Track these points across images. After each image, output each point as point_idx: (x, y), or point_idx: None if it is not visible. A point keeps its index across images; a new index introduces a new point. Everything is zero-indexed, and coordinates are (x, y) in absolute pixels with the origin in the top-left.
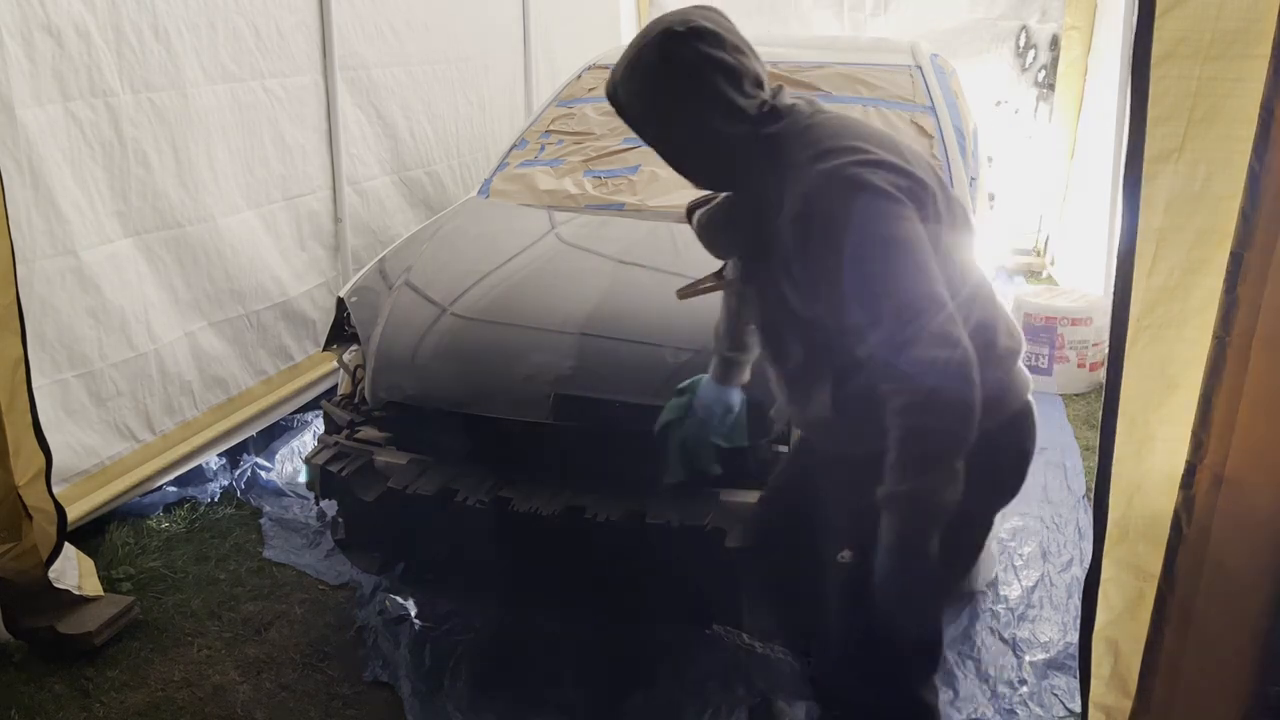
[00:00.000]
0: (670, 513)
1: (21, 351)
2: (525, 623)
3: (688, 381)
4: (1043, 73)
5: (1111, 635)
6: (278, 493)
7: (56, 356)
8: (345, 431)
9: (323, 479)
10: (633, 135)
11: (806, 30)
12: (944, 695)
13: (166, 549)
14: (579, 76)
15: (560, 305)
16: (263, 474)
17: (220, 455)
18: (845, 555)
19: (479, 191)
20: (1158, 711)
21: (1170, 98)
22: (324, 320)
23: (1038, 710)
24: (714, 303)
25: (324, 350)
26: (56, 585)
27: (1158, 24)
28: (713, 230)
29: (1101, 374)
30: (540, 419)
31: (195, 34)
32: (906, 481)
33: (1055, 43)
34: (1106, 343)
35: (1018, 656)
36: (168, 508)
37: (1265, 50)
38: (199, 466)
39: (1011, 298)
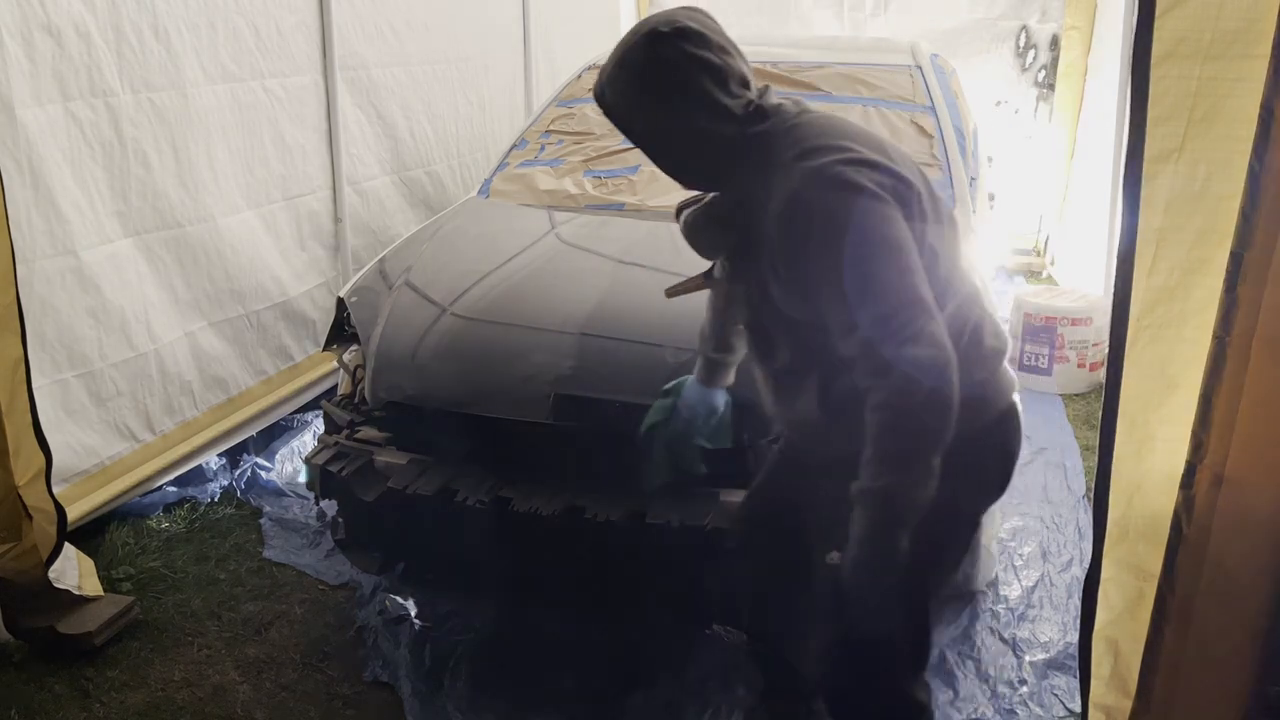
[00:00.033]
0: (670, 513)
1: (21, 351)
2: (525, 623)
3: (672, 383)
4: (1043, 73)
5: (1111, 635)
6: (278, 493)
7: (56, 356)
8: (345, 431)
9: (323, 479)
10: None
11: (806, 30)
12: (944, 695)
13: (166, 549)
14: (579, 76)
15: (560, 305)
16: (263, 474)
17: (220, 455)
18: (834, 557)
19: (479, 191)
20: (1158, 711)
21: (1170, 98)
22: (324, 320)
23: (1038, 710)
24: None
25: (324, 350)
26: (56, 585)
27: (1158, 24)
28: (700, 230)
29: (1101, 374)
30: (540, 419)
31: (195, 34)
32: (882, 477)
33: (1055, 43)
34: (1106, 343)
35: (1018, 656)
36: (168, 508)
37: (1265, 50)
38: (199, 466)
39: (1011, 298)
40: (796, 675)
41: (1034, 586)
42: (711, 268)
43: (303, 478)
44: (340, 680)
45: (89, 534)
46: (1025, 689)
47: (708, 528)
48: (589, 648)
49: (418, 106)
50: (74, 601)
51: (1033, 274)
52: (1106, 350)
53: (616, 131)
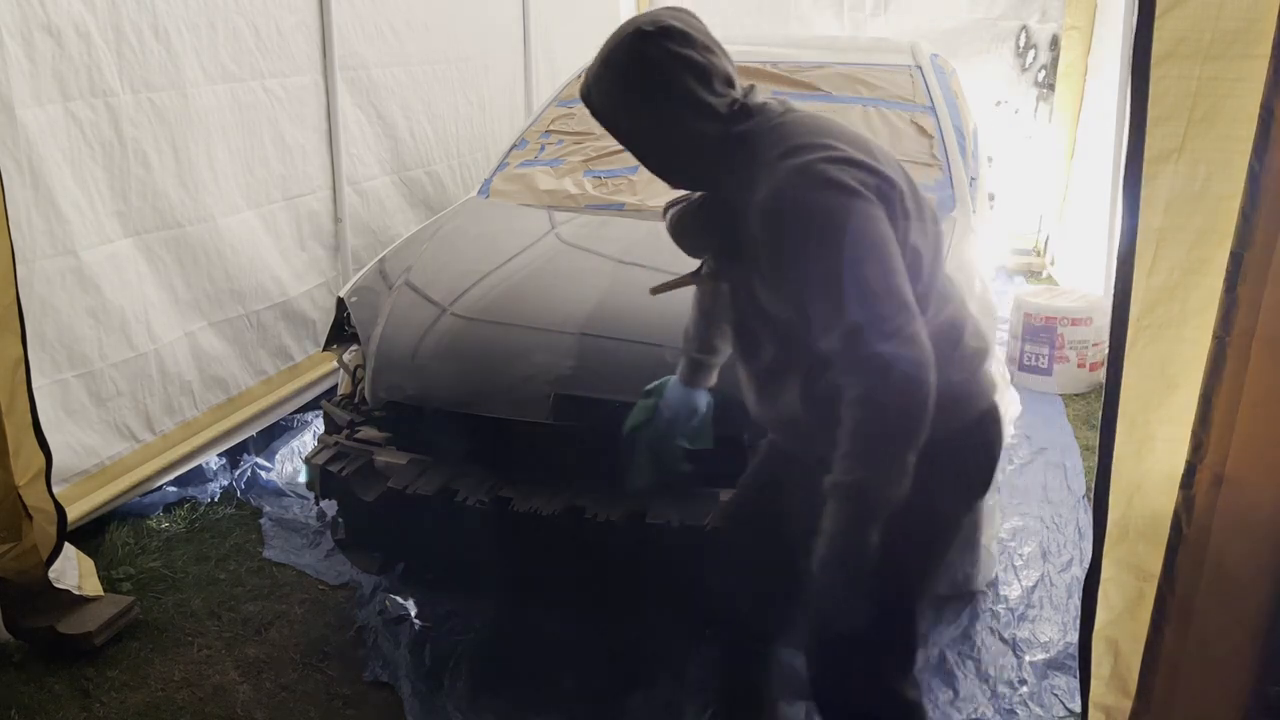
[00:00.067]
0: (670, 513)
1: (21, 351)
2: (525, 623)
3: (655, 384)
4: (1043, 73)
5: (1111, 635)
6: (278, 493)
7: (56, 356)
8: (345, 431)
9: (323, 479)
10: None
11: (806, 30)
12: (944, 695)
13: (166, 549)
14: (579, 76)
15: (560, 305)
16: (263, 474)
17: (220, 455)
18: None
19: (479, 191)
20: (1158, 711)
21: (1170, 98)
22: (324, 320)
23: (1038, 710)
24: None
25: (324, 350)
26: (56, 585)
27: (1158, 24)
28: (686, 228)
29: (1101, 374)
30: (540, 419)
31: (195, 34)
32: (854, 472)
33: (1055, 43)
34: (1106, 343)
35: (1018, 656)
36: (168, 508)
37: (1265, 50)
38: (199, 466)
39: (1011, 298)
40: (760, 687)
41: (1034, 586)
42: (699, 266)
43: (303, 478)
44: (340, 680)
45: (89, 534)
46: (1025, 689)
47: (708, 528)
48: (589, 648)
49: (418, 106)
50: (74, 601)
51: (1033, 274)
52: (1106, 350)
53: None
